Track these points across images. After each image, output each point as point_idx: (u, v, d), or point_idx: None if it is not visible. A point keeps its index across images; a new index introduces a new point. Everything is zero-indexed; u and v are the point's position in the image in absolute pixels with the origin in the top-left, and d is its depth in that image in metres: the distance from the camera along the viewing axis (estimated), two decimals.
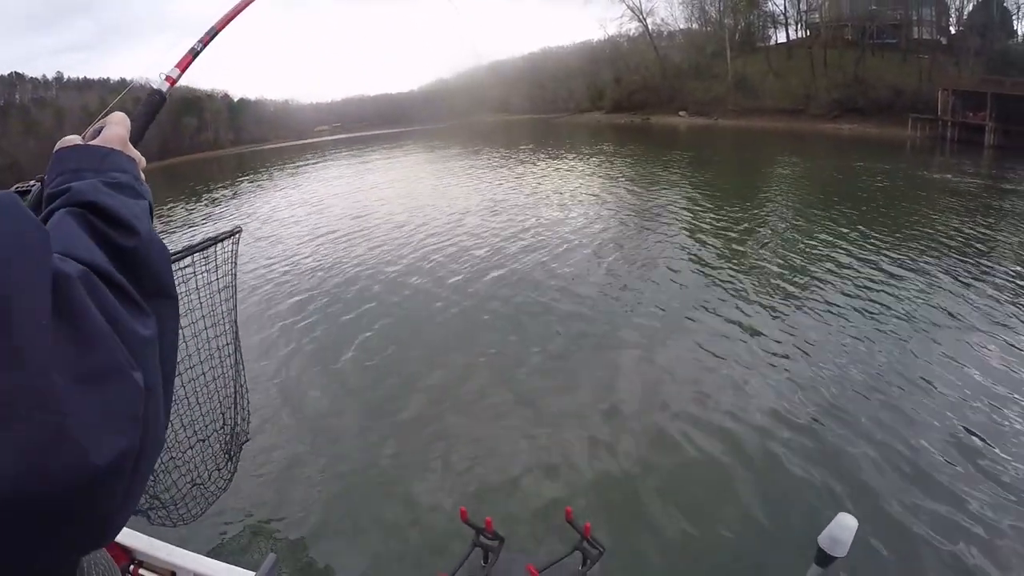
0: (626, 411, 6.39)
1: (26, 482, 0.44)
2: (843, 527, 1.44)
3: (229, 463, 3.15)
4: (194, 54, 1.56)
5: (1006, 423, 6.02)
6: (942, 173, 24.58)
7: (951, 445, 5.63)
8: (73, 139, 0.82)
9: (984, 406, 6.32)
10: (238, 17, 1.74)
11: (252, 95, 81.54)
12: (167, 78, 1.46)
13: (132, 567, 2.19)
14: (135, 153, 0.87)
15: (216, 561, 2.39)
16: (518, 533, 4.24)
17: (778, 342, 7.98)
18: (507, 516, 4.43)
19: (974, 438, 5.75)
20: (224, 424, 3.05)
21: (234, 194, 29.41)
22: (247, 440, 3.29)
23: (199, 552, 2.49)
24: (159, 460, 2.29)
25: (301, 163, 42.06)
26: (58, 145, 0.79)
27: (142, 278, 0.63)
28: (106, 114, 0.96)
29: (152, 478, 2.40)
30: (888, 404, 6.36)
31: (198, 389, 2.81)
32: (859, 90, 42.73)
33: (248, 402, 3.27)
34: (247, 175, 36.91)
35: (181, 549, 2.38)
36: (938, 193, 19.85)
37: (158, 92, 1.41)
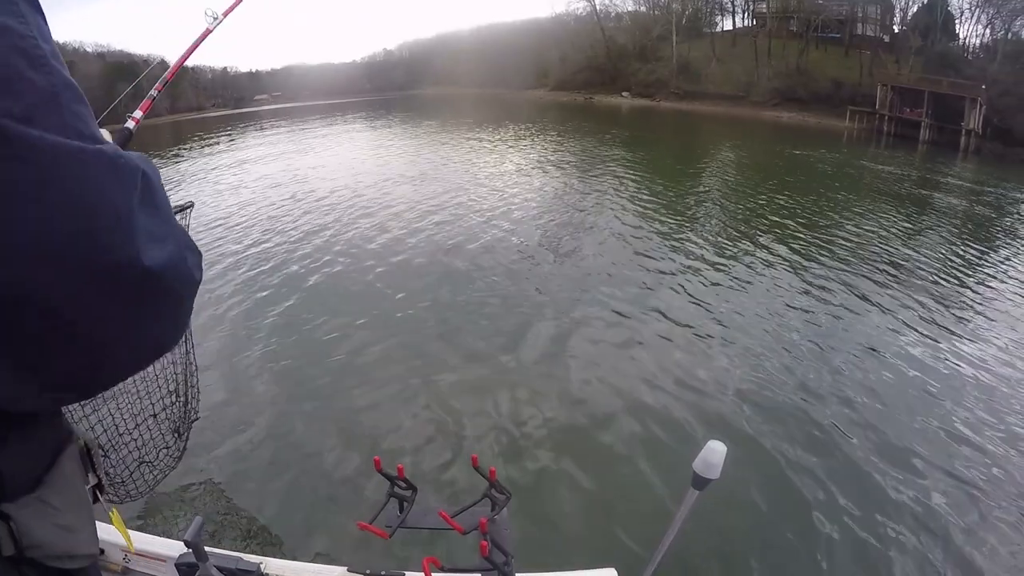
0: (530, 369, 6.60)
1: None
2: (714, 451, 1.52)
3: (178, 441, 2.94)
4: (152, 99, 2.18)
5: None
6: (877, 164, 24.99)
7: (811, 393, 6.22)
8: None
9: (858, 355, 7.11)
10: (185, 63, 2.27)
11: (190, 61, 76.08)
12: (134, 119, 1.90)
13: None
14: None
15: (144, 534, 2.43)
16: (431, 483, 4.56)
17: (683, 310, 8.27)
18: (421, 467, 4.79)
19: (841, 382, 6.47)
20: (175, 401, 2.88)
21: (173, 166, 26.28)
22: (197, 418, 2.99)
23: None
24: (108, 438, 2.34)
25: (237, 134, 38.97)
26: None
27: None
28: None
29: (103, 453, 2.28)
30: (769, 357, 6.96)
31: (146, 372, 2.66)
32: (800, 81, 42.95)
33: (198, 380, 3.00)
34: (186, 146, 33.60)
35: (108, 525, 2.16)
36: (872, 183, 20.34)
37: (127, 129, 1.83)
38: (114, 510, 1.94)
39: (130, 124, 1.82)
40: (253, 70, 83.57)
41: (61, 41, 62.62)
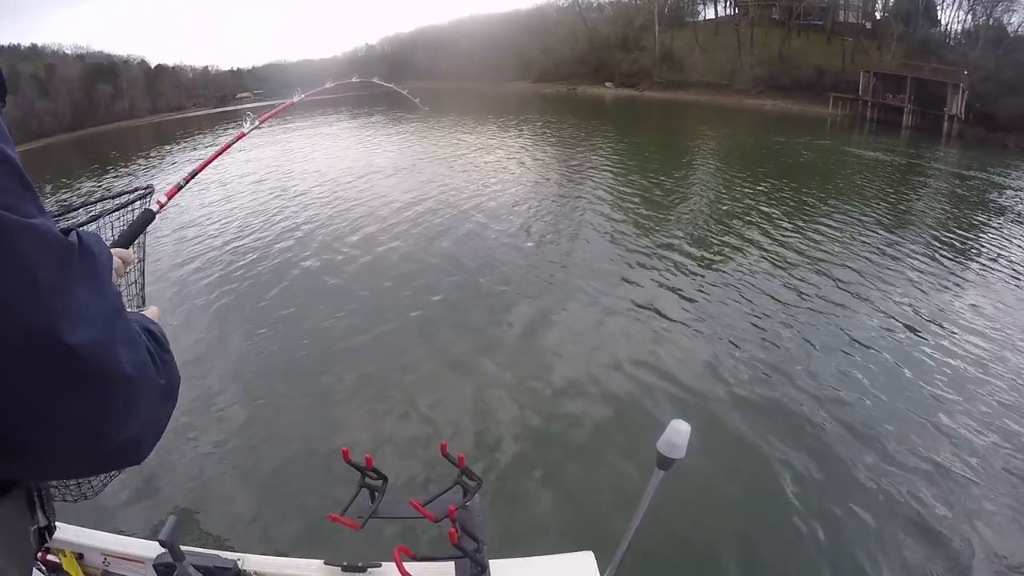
0: (500, 357, 6.58)
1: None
2: (677, 431, 1.53)
3: None
4: (179, 187, 2.03)
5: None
6: (860, 150, 24.96)
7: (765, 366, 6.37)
8: None
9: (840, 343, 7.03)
10: (216, 161, 2.25)
11: (170, 61, 75.34)
12: (158, 203, 1.88)
13: (40, 554, 2.02)
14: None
15: (121, 536, 2.41)
16: (402, 472, 4.57)
17: (657, 298, 8.19)
18: (392, 457, 4.84)
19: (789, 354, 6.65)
20: None
21: (150, 166, 26.16)
22: None
23: (101, 530, 2.39)
24: None
25: (221, 133, 38.53)
26: None
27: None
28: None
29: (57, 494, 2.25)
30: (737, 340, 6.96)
31: None
32: (783, 68, 42.82)
33: None
34: (165, 146, 33.43)
35: (86, 529, 2.33)
36: (855, 169, 20.24)
37: (150, 211, 1.82)
38: (67, 553, 1.92)
39: (153, 207, 1.84)
40: (235, 68, 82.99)
41: (40, 44, 61.66)
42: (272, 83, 76.32)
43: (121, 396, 0.71)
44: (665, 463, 1.55)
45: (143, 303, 2.73)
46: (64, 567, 1.87)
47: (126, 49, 66.32)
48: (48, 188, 21.50)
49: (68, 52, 63.88)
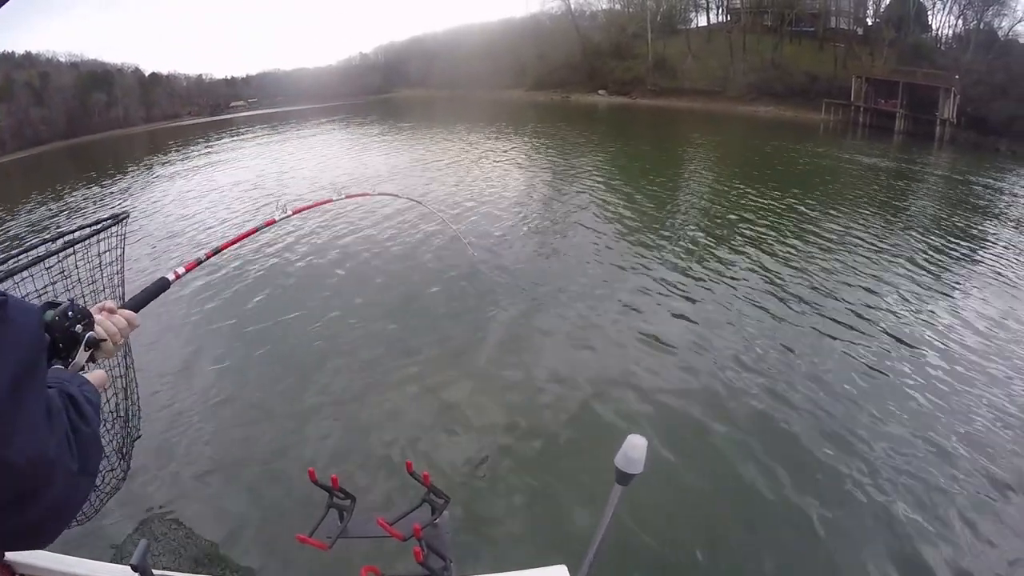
0: (470, 374, 6.54)
1: None
2: (634, 447, 1.53)
3: (122, 461, 2.73)
4: (198, 262, 2.05)
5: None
6: (853, 155, 25.05)
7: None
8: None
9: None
10: (240, 243, 2.24)
11: (164, 69, 74.53)
12: (175, 273, 1.89)
13: None
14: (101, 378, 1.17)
15: (92, 561, 2.30)
16: (370, 492, 4.63)
17: (637, 310, 8.10)
18: (360, 476, 4.90)
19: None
20: (116, 418, 2.68)
21: (140, 178, 25.63)
22: (139, 436, 2.78)
23: (71, 555, 2.29)
24: None
25: (214, 141, 38.49)
26: (89, 334, 1.13)
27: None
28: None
29: None
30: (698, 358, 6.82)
31: None
32: (776, 75, 42.99)
33: (139, 397, 2.75)
34: (156, 155, 33.11)
35: (56, 555, 2.22)
36: (848, 174, 20.41)
37: (165, 280, 1.84)
38: None
39: (170, 276, 1.88)
40: (229, 76, 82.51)
41: (34, 52, 61.52)
42: (266, 91, 76.56)
43: (7, 485, 0.69)
44: (624, 478, 1.55)
45: (129, 350, 2.75)
46: None
47: (120, 57, 66.07)
48: (39, 197, 21.43)
49: (62, 60, 63.61)
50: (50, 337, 1.02)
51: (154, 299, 1.81)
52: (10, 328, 0.69)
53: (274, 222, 2.43)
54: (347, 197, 3.03)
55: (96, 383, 1.02)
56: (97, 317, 1.18)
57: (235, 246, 2.31)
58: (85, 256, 2.36)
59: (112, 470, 2.84)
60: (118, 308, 1.32)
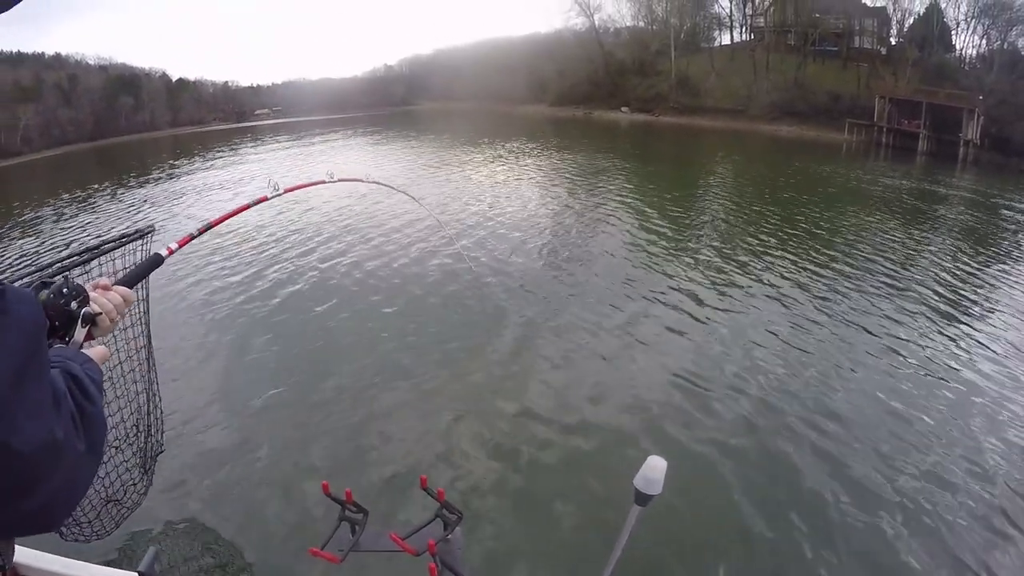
0: (484, 391, 6.54)
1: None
2: (653, 468, 1.52)
3: (144, 476, 3.00)
4: (191, 237, 2.12)
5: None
6: (876, 176, 24.89)
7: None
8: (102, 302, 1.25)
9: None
10: (232, 218, 2.36)
11: (191, 75, 75.57)
12: (168, 248, 1.92)
13: None
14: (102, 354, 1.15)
15: (99, 567, 2.15)
16: (383, 506, 4.54)
17: (656, 329, 8.14)
18: (373, 490, 4.84)
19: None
20: (139, 433, 2.92)
21: (162, 181, 25.90)
22: (162, 451, 3.12)
23: (79, 559, 2.15)
24: None
25: (239, 147, 38.99)
26: (85, 310, 1.15)
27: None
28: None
29: None
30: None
31: (107, 400, 2.55)
32: (799, 94, 43.05)
33: (162, 412, 3.07)
34: (179, 160, 33.34)
35: (63, 559, 2.08)
36: (871, 196, 20.26)
37: (159, 255, 1.87)
38: None
39: (163, 252, 1.91)
40: (254, 84, 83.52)
41: (64, 54, 62.75)
42: (291, 100, 77.62)
43: (17, 472, 0.72)
44: (642, 499, 1.55)
45: (149, 343, 2.92)
46: None
47: (148, 62, 67.05)
48: (65, 196, 21.85)
49: (91, 62, 64.61)
50: (47, 317, 1.01)
51: (147, 275, 1.87)
52: (10, 318, 0.71)
53: (266, 199, 2.48)
54: (339, 180, 3.08)
55: (97, 359, 1.03)
56: (92, 294, 1.21)
57: (226, 222, 2.37)
58: (111, 269, 2.38)
59: (135, 484, 3.02)
60: (112, 285, 1.34)
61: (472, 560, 3.74)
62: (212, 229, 2.29)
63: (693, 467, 5.18)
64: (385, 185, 4.69)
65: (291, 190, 2.63)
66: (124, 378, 2.79)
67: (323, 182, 2.95)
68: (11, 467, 0.70)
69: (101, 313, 1.19)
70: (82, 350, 1.09)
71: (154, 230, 2.57)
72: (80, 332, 1.12)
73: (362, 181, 3.58)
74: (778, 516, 4.69)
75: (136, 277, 1.73)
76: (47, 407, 0.75)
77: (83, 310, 1.13)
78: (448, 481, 4.95)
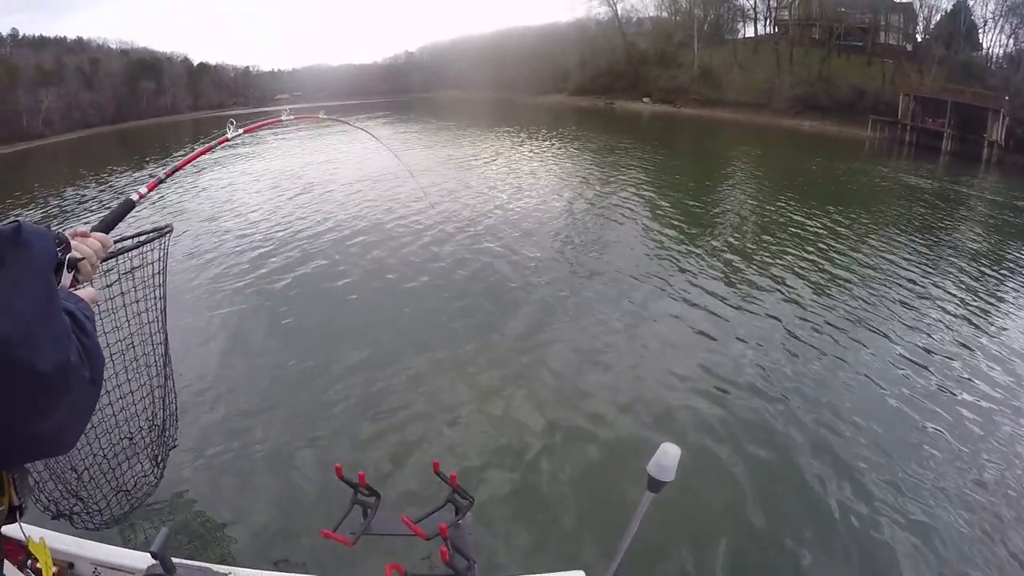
0: (498, 376, 6.55)
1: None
2: (667, 454, 1.55)
3: (156, 469, 3.14)
4: (159, 181, 2.31)
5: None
6: (899, 175, 24.68)
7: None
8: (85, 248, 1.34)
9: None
10: (195, 160, 2.59)
11: (212, 60, 76.58)
12: (139, 193, 2.10)
13: (30, 561, 2.02)
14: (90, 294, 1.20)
15: (111, 547, 2.39)
16: (395, 489, 4.61)
17: (672, 319, 8.20)
18: (386, 473, 4.88)
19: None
20: (153, 427, 3.02)
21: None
22: (174, 446, 3.30)
23: (92, 540, 2.40)
24: (85, 465, 2.68)
25: (257, 131, 38.95)
26: (69, 255, 1.22)
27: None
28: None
29: (77, 477, 2.66)
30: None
31: (123, 393, 2.77)
32: (822, 88, 42.69)
33: (177, 407, 3.22)
34: (199, 143, 32.29)
35: (77, 539, 2.34)
36: (893, 194, 20.20)
37: (130, 200, 2.04)
38: (42, 540, 1.80)
39: (134, 196, 2.06)
40: (275, 70, 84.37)
41: (86, 38, 63.19)
42: (311, 86, 77.90)
43: (38, 393, 0.76)
44: (655, 485, 1.57)
45: (166, 340, 3.06)
46: (31, 549, 1.79)
47: (170, 46, 67.58)
48: (90, 176, 22.46)
49: (113, 47, 65.48)
50: None
51: (121, 220, 1.96)
52: (31, 250, 0.76)
53: (227, 140, 2.63)
54: (296, 118, 3.32)
55: (87, 300, 1.09)
56: (73, 242, 1.27)
57: (192, 164, 2.59)
58: (128, 264, 2.53)
59: (145, 476, 3.16)
60: (90, 232, 1.43)
61: (482, 544, 3.78)
62: (178, 172, 2.46)
63: (703, 459, 5.15)
64: (343, 121, 5.26)
65: (249, 130, 2.84)
66: (139, 373, 2.93)
67: (278, 120, 3.29)
68: (32, 387, 0.75)
69: (83, 259, 1.27)
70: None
71: (172, 228, 2.72)
72: (66, 277, 1.19)
73: (317, 118, 3.95)
74: (787, 515, 4.63)
75: (111, 223, 1.88)
76: (63, 334, 0.82)
77: (67, 255, 1.20)
78: (459, 466, 4.90)
